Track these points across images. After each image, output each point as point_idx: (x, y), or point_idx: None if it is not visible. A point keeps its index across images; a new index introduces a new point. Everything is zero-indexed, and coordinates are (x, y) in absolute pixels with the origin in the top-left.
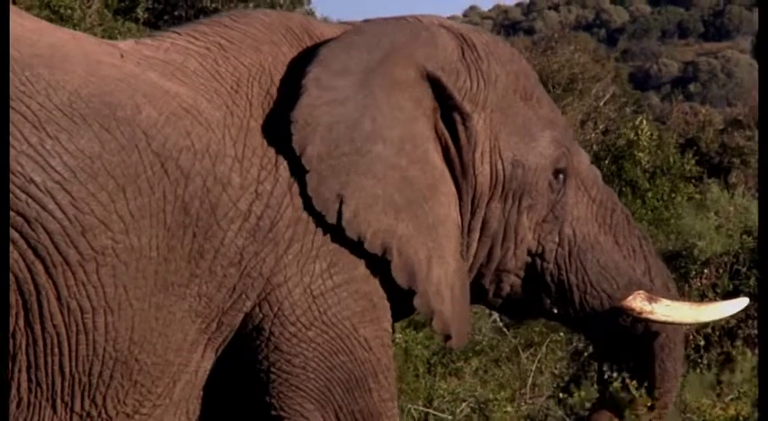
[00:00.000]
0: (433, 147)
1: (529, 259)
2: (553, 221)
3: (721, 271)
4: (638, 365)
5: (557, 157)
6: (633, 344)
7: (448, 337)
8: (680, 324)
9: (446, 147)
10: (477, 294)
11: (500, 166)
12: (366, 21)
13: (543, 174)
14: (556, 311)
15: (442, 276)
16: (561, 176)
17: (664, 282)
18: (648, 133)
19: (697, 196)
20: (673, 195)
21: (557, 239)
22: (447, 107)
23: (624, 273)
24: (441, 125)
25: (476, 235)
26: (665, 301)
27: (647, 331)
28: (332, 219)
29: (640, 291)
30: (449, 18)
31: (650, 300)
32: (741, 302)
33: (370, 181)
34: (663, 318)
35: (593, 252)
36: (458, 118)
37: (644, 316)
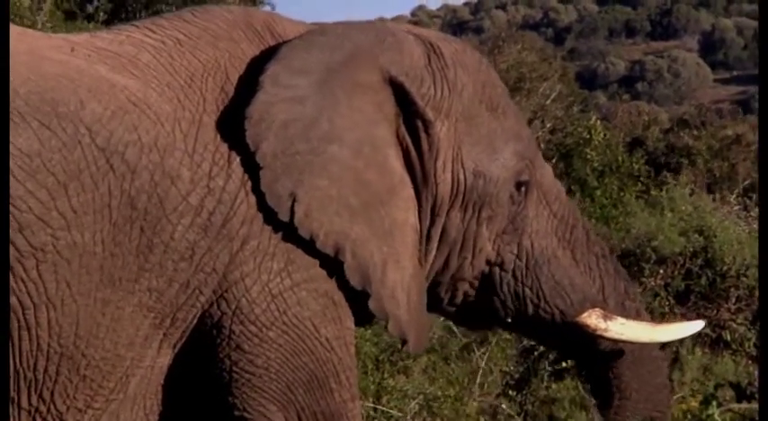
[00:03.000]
0: (393, 153)
1: (487, 269)
2: (512, 233)
3: (675, 271)
4: (596, 381)
5: (519, 170)
6: (592, 359)
7: (405, 341)
8: (633, 342)
9: (407, 153)
10: (432, 302)
11: (461, 176)
12: (334, 23)
13: (504, 187)
14: (510, 321)
15: (398, 280)
16: (523, 189)
17: (618, 302)
18: (601, 133)
19: (654, 193)
20: (621, 194)
21: (515, 251)
22: (409, 113)
23: (579, 290)
24: (402, 131)
25: (434, 243)
26: (620, 320)
27: (604, 348)
28: (284, 216)
29: (596, 309)
30: (396, 18)
31: (605, 317)
32: (696, 325)
33: (324, 181)
34: (616, 336)
35: (550, 266)
36: (420, 125)
37: (598, 333)
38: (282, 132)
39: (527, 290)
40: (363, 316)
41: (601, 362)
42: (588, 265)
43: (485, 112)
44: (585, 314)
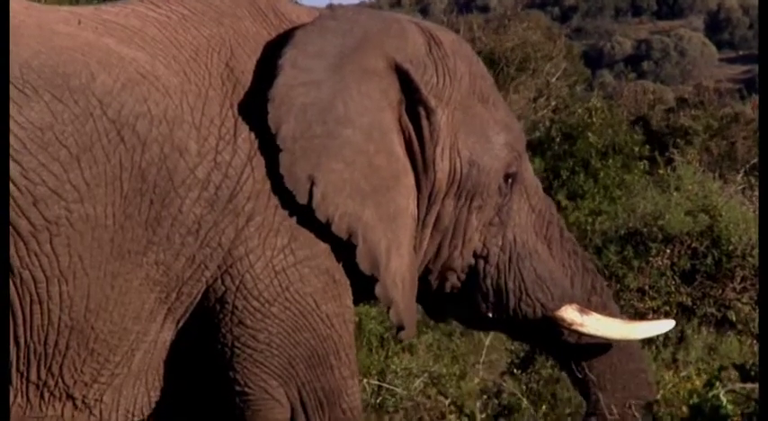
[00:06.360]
0: (396, 140)
1: (472, 261)
2: (498, 225)
3: (681, 251)
4: (574, 374)
5: (509, 162)
6: (564, 353)
7: (400, 328)
8: (608, 338)
9: (409, 141)
10: (420, 291)
11: (458, 164)
12: (343, 8)
13: (495, 177)
14: (491, 315)
15: (398, 268)
16: (510, 181)
17: (584, 298)
18: (602, 115)
19: (661, 172)
20: (624, 174)
21: (500, 243)
22: (412, 100)
23: (559, 285)
24: (405, 118)
25: (428, 230)
26: (596, 315)
27: (575, 342)
28: (303, 199)
29: (573, 304)
30: None
31: (582, 312)
32: (667, 324)
33: (339, 165)
34: (592, 332)
35: (531, 260)
36: (422, 112)
37: (574, 327)
38: (301, 115)
39: (510, 282)
40: (360, 295)
41: (574, 357)
42: (561, 262)
43: (478, 103)
44: (563, 308)
